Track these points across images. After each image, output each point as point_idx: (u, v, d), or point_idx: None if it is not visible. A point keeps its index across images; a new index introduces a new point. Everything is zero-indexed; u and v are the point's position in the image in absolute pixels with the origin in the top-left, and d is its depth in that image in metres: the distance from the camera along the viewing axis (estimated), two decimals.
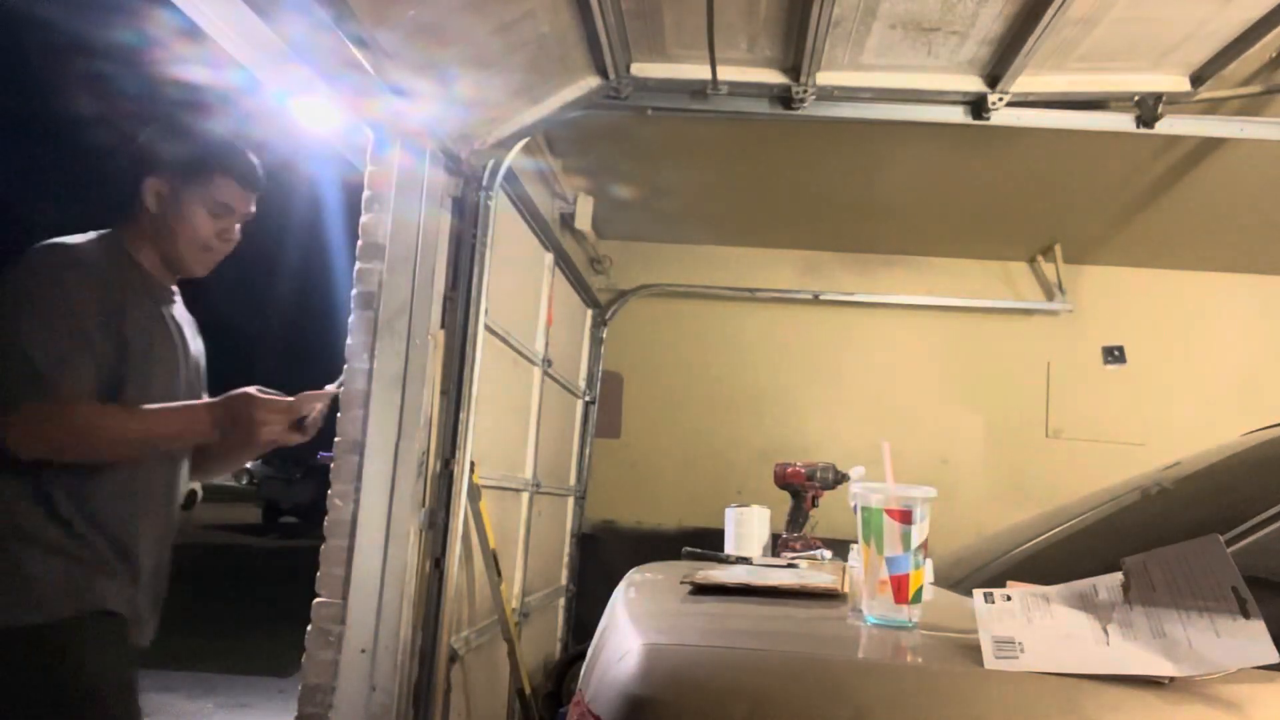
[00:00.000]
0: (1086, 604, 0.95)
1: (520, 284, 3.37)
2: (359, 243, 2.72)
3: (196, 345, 1.73)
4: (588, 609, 4.33)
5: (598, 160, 3.66)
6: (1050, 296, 4.47)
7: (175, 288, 1.68)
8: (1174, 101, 2.61)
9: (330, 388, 1.67)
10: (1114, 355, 4.44)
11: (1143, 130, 2.66)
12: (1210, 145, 3.09)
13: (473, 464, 2.66)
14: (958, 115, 2.69)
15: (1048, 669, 0.88)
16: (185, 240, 1.58)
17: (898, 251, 4.57)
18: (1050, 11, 2.18)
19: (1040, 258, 4.48)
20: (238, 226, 1.65)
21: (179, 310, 1.69)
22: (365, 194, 2.73)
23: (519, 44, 2.42)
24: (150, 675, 5.08)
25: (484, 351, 2.71)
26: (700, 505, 4.30)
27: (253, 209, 1.66)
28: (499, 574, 2.87)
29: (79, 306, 1.40)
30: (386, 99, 2.38)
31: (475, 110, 2.66)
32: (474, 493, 2.71)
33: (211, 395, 1.64)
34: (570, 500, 4.40)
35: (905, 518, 1.09)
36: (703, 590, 1.30)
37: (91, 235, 1.54)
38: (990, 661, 0.90)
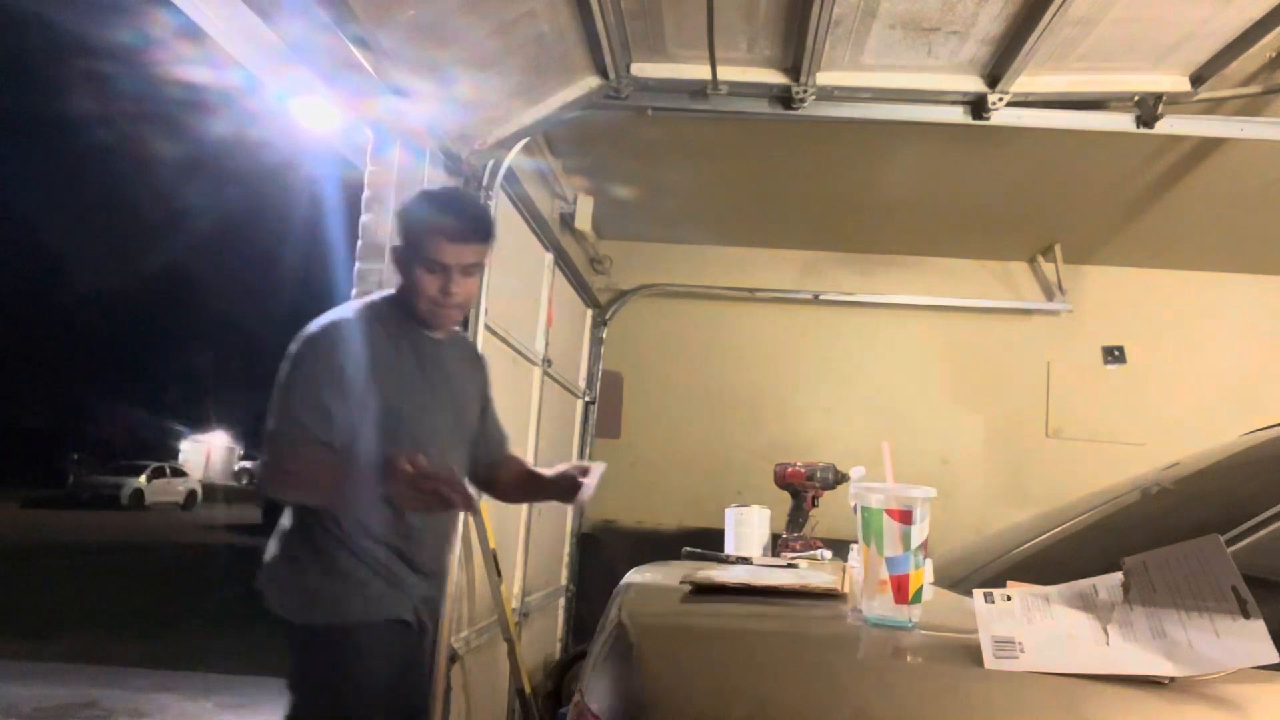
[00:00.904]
0: (1086, 604, 0.95)
1: (520, 284, 3.36)
2: (359, 243, 2.72)
3: (472, 376, 1.98)
4: (588, 609, 4.33)
5: (598, 160, 3.65)
6: (1050, 296, 4.47)
7: (439, 335, 1.85)
8: (1174, 101, 2.61)
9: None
10: (1114, 355, 4.44)
11: (1143, 130, 2.66)
12: (1210, 145, 3.09)
13: None
14: (958, 115, 2.69)
15: (1048, 669, 0.88)
16: (414, 298, 1.75)
17: (898, 251, 4.56)
18: (1050, 11, 2.18)
19: (1040, 258, 4.48)
20: (462, 281, 1.74)
21: (449, 351, 1.89)
22: (365, 194, 2.73)
23: (519, 44, 2.41)
24: (150, 675, 5.08)
25: (484, 351, 2.71)
26: (700, 505, 4.29)
27: (472, 260, 1.74)
28: (499, 574, 2.87)
29: (325, 374, 1.64)
30: (386, 99, 2.37)
31: (475, 110, 2.66)
32: None
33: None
34: None
35: (905, 518, 1.09)
36: (703, 590, 1.29)
37: (374, 297, 1.83)
38: (990, 661, 0.90)
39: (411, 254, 1.74)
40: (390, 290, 1.84)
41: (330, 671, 1.65)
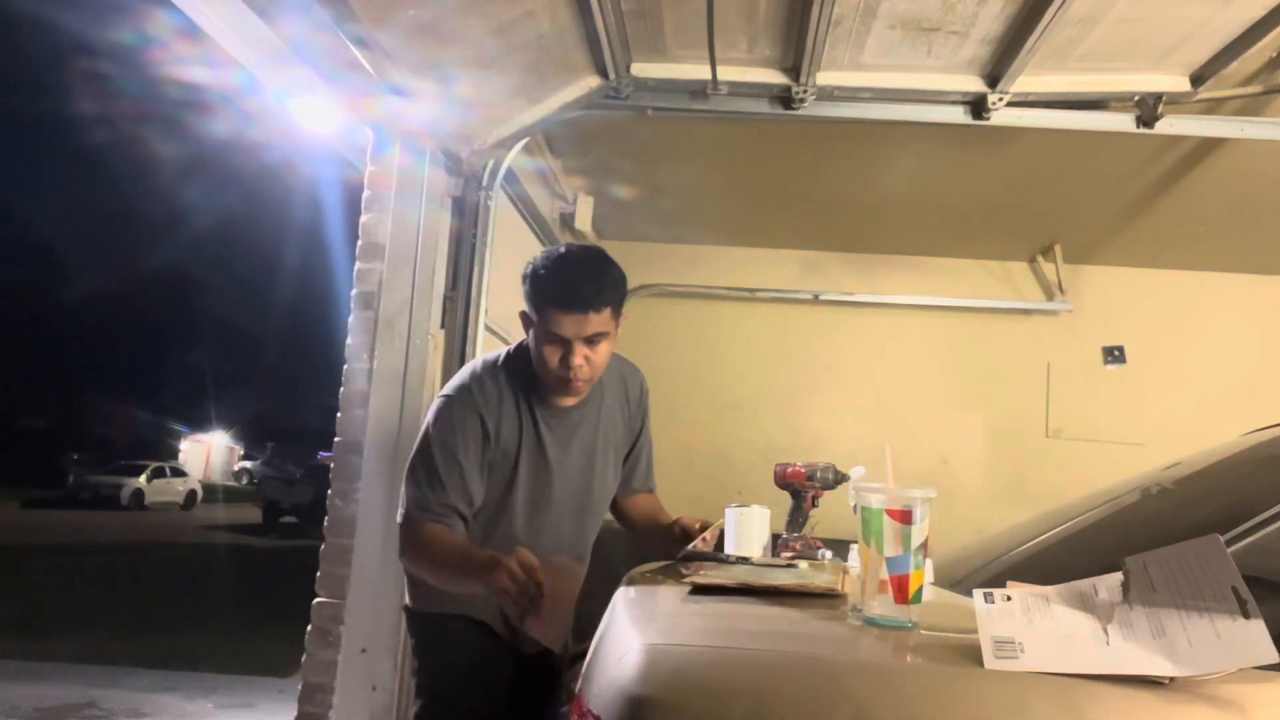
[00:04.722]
0: (1086, 604, 0.95)
1: (520, 284, 3.36)
2: (359, 243, 2.72)
3: (614, 424, 1.88)
4: (588, 609, 4.33)
5: (598, 160, 3.65)
6: (1050, 296, 4.46)
7: (570, 401, 1.74)
8: (1174, 101, 2.61)
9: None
10: (1114, 355, 4.44)
11: (1143, 130, 2.66)
12: (1210, 145, 3.09)
13: None
14: (958, 115, 2.69)
15: (1048, 669, 0.88)
16: (538, 367, 1.67)
17: (898, 251, 4.56)
18: (1050, 11, 2.18)
19: (1040, 258, 4.47)
20: (585, 351, 1.61)
21: (585, 409, 1.79)
22: (365, 194, 2.73)
23: (519, 44, 2.42)
24: (150, 675, 5.09)
25: (484, 351, 2.71)
26: (700, 505, 4.28)
27: (594, 331, 1.61)
28: None
29: (446, 448, 1.65)
30: (386, 99, 2.38)
31: (475, 110, 2.66)
32: None
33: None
34: None
35: (905, 518, 1.09)
36: (703, 590, 1.29)
37: (505, 355, 1.75)
38: (990, 661, 0.90)
39: (534, 322, 1.65)
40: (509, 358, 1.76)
41: (424, 645, 1.82)
